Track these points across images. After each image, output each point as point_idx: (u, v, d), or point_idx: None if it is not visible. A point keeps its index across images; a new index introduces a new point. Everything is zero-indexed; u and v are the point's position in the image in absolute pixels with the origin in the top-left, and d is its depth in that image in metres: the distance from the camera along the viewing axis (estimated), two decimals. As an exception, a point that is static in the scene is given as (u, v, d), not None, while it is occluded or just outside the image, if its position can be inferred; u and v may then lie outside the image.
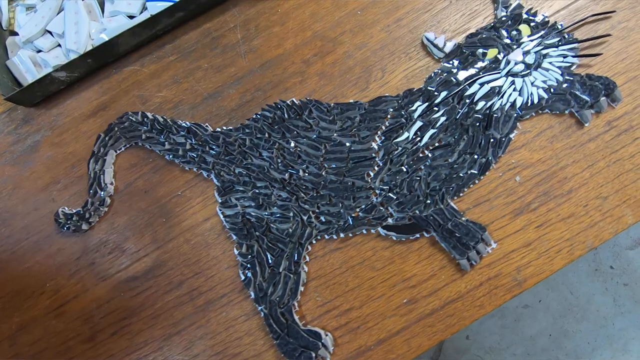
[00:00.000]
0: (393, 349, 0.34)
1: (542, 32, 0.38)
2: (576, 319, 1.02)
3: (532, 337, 1.01)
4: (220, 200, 0.39)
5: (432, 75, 0.39)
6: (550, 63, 0.37)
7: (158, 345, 0.37)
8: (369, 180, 0.37)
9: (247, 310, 0.36)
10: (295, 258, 0.36)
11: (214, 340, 0.36)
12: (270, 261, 0.36)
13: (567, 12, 0.39)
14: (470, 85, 0.38)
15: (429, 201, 0.36)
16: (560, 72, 0.37)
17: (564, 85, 0.37)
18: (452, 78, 0.38)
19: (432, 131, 0.37)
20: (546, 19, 0.39)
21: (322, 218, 0.37)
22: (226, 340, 0.36)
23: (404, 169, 0.37)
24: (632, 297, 1.01)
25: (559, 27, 0.38)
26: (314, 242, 0.37)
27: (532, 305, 1.06)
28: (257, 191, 0.38)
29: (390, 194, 0.36)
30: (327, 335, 0.34)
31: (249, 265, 0.36)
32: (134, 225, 0.40)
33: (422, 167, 0.37)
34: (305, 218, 0.37)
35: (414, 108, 0.38)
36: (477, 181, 0.36)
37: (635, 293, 1.01)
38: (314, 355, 0.33)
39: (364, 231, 0.36)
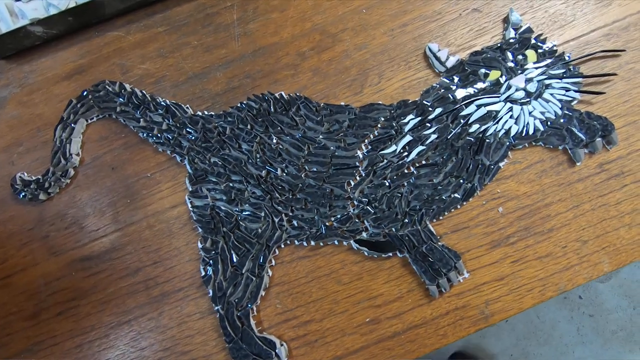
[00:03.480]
0: (348, 367, 0.33)
1: (548, 61, 0.36)
2: (539, 342, 1.04)
3: (494, 355, 1.02)
4: (190, 189, 0.37)
5: (430, 89, 0.37)
6: (551, 94, 0.36)
7: (105, 332, 0.35)
8: (349, 190, 0.35)
9: (202, 308, 0.35)
10: (261, 260, 0.34)
11: (164, 335, 0.35)
12: (234, 260, 0.35)
13: (576, 43, 0.38)
14: (467, 105, 0.36)
15: (406, 220, 0.34)
16: (560, 106, 0.35)
17: (562, 120, 0.35)
18: (449, 95, 0.37)
19: (420, 148, 0.36)
20: (554, 48, 0.37)
21: (295, 222, 0.35)
22: (176, 337, 0.34)
23: (386, 183, 0.35)
24: (595, 329, 1.03)
25: (566, 58, 0.37)
26: (282, 246, 0.35)
27: (498, 323, 1.08)
28: (230, 185, 0.36)
29: (368, 207, 0.35)
30: (282, 345, 0.33)
31: (211, 262, 0.35)
32: (95, 202, 0.38)
33: (405, 184, 0.35)
34: (276, 220, 0.35)
35: (405, 121, 0.37)
36: (459, 206, 0.35)
37: (599, 325, 1.03)
38: (265, 364, 0.32)
39: (336, 242, 0.35)
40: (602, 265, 0.33)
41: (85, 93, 0.40)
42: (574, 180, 0.35)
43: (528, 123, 0.35)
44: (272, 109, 0.38)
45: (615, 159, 0.35)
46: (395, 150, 0.36)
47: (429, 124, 0.36)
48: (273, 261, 0.35)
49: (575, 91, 0.36)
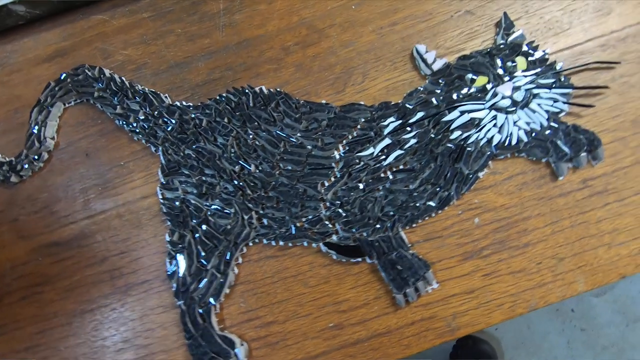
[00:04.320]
0: (308, 372, 0.32)
1: (539, 70, 0.35)
2: (528, 353, 1.03)
3: (481, 364, 1.02)
4: (162, 181, 0.36)
5: (414, 91, 0.36)
6: (538, 105, 0.34)
7: (67, 320, 0.35)
8: (322, 191, 0.35)
9: (165, 302, 0.34)
10: (227, 257, 0.34)
11: (126, 326, 0.34)
12: (200, 255, 0.34)
13: (570, 53, 0.36)
14: (450, 110, 0.35)
15: (378, 226, 0.33)
16: (546, 117, 0.34)
17: (547, 132, 0.34)
18: (433, 99, 0.35)
19: (399, 152, 0.34)
20: (546, 56, 0.36)
21: (265, 221, 0.34)
22: (137, 329, 0.34)
23: (361, 186, 0.34)
24: (586, 343, 1.02)
25: (558, 67, 0.35)
26: (250, 244, 0.35)
27: (491, 332, 1.07)
28: (203, 178, 0.35)
29: (340, 209, 0.34)
30: (242, 344, 0.32)
31: (177, 256, 0.34)
32: (68, 188, 0.38)
33: (380, 188, 0.34)
34: (246, 217, 0.34)
35: (385, 123, 0.35)
36: (433, 214, 0.34)
37: (590, 339, 1.02)
38: (223, 363, 0.32)
39: (305, 243, 0.34)
40: (576, 284, 0.32)
41: (63, 76, 0.39)
42: (555, 195, 0.34)
43: (512, 133, 0.34)
44: (251, 104, 0.37)
45: (600, 175, 0.34)
46: (373, 153, 0.35)
47: (409, 128, 0.35)
48: (240, 259, 0.34)
49: (564, 102, 0.34)
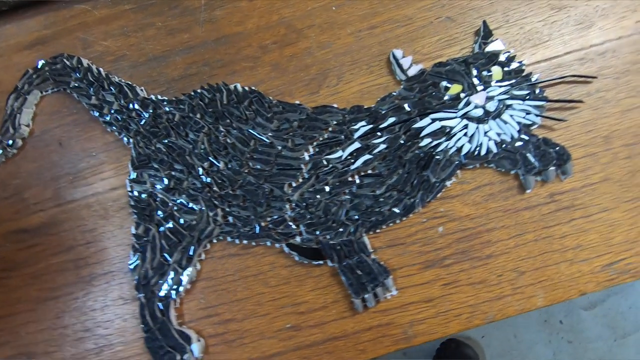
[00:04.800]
0: (262, 371, 0.32)
1: (514, 81, 0.35)
2: (513, 362, 1.03)
3: (466, 370, 1.01)
4: (132, 174, 0.36)
5: (387, 96, 0.36)
6: (510, 116, 0.34)
7: (31, 307, 0.35)
8: (289, 192, 0.35)
9: (127, 294, 0.34)
10: (190, 253, 0.34)
11: (87, 316, 0.34)
12: (163, 250, 0.34)
13: (547, 65, 0.36)
14: (421, 117, 0.35)
15: (341, 229, 0.33)
16: (517, 129, 0.34)
17: (517, 144, 0.34)
18: (405, 105, 0.35)
19: (367, 156, 0.34)
20: (522, 67, 0.35)
21: (230, 219, 0.34)
22: (98, 319, 0.34)
23: (327, 189, 0.34)
24: (573, 355, 1.01)
25: (533, 79, 0.35)
26: (214, 241, 0.35)
27: (474, 338, 1.07)
28: (172, 173, 0.36)
29: (305, 211, 0.34)
30: (199, 340, 0.33)
31: (140, 249, 0.34)
32: (39, 176, 0.38)
33: (346, 192, 0.34)
34: (211, 214, 0.34)
35: (356, 127, 0.35)
36: (398, 221, 0.34)
37: (577, 352, 1.01)
38: (178, 358, 0.32)
39: (268, 243, 0.34)
40: (536, 299, 0.32)
41: (41, 64, 0.39)
42: (521, 207, 0.33)
43: (481, 143, 0.34)
44: (225, 101, 0.37)
45: (568, 190, 0.33)
46: (342, 156, 0.35)
47: (379, 133, 0.35)
48: (203, 255, 0.35)
49: (536, 115, 0.34)
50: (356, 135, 0.35)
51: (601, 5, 0.37)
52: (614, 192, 0.33)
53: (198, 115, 0.37)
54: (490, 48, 0.36)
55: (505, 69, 0.35)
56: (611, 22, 0.36)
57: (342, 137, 0.35)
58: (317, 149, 0.35)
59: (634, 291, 1.06)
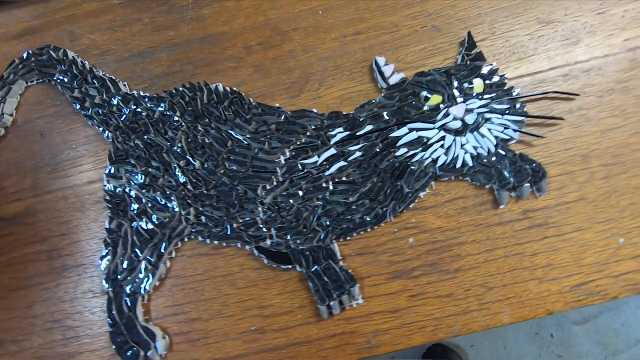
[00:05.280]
0: (224, 372, 0.32)
1: (494, 95, 0.34)
2: (501, 373, 1.02)
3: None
4: (109, 168, 0.36)
5: (366, 104, 0.36)
6: (489, 130, 0.34)
7: (2, 294, 0.35)
8: (262, 194, 0.35)
9: (96, 288, 0.35)
10: (161, 250, 0.34)
11: (56, 307, 0.35)
12: (134, 245, 0.34)
13: (530, 79, 0.36)
14: (399, 126, 0.34)
15: (311, 235, 0.33)
16: (494, 143, 0.33)
17: (493, 159, 0.33)
18: (384, 113, 0.35)
19: (342, 163, 0.34)
20: (504, 80, 0.35)
21: (202, 218, 0.35)
22: (67, 311, 0.35)
23: (300, 194, 0.34)
24: (562, 370, 1.00)
25: (514, 93, 0.35)
26: (185, 239, 0.35)
27: (463, 347, 1.06)
28: (148, 170, 0.36)
29: (277, 215, 0.34)
30: (164, 338, 0.33)
31: (112, 243, 0.34)
32: (19, 165, 0.38)
33: (320, 198, 0.34)
34: (184, 213, 0.35)
35: (333, 133, 0.35)
36: (369, 229, 0.34)
37: (566, 367, 1.00)
38: (142, 354, 0.32)
39: (239, 245, 0.34)
40: (501, 315, 0.32)
41: (27, 55, 0.40)
42: (494, 222, 0.33)
43: (457, 155, 0.34)
44: (205, 100, 0.37)
45: (542, 208, 0.33)
46: (317, 161, 0.35)
47: (356, 140, 0.35)
48: (173, 253, 0.35)
49: (515, 130, 0.34)
50: (333, 141, 0.35)
51: (589, 21, 0.36)
52: (589, 212, 0.33)
53: (178, 113, 0.37)
54: (471, 59, 0.36)
55: (487, 81, 0.35)
56: (598, 40, 0.36)
57: (319, 142, 0.35)
58: (293, 153, 0.35)
59: (628, 308, 1.05)
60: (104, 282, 0.34)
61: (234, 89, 0.38)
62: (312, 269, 0.33)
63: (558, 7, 0.37)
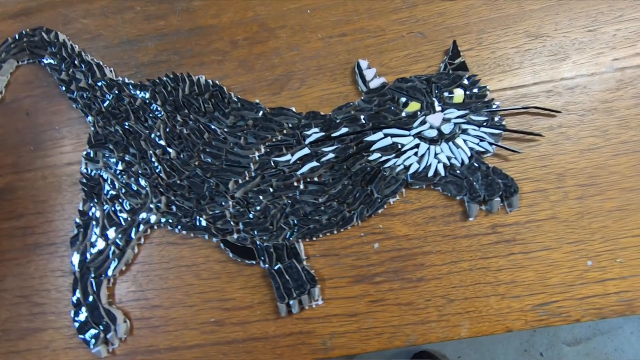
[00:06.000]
0: (180, 360, 0.33)
1: (473, 106, 0.34)
2: (487, 389, 1.01)
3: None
4: (87, 151, 0.37)
5: (344, 106, 0.36)
6: (464, 141, 0.33)
7: (-24, 266, 0.37)
8: (233, 188, 0.35)
9: (66, 267, 0.35)
10: (130, 236, 0.35)
11: (26, 283, 0.36)
12: (105, 229, 0.35)
13: (513, 93, 0.35)
14: (374, 131, 0.34)
15: (277, 233, 0.33)
16: (468, 155, 0.33)
17: (466, 170, 0.33)
18: (361, 117, 0.35)
19: (315, 164, 0.34)
20: (485, 92, 0.35)
21: (173, 208, 0.35)
22: (36, 287, 0.35)
23: (270, 191, 0.34)
24: (549, 391, 0.99)
25: (494, 106, 0.34)
26: (155, 227, 0.35)
27: (451, 358, 1.05)
28: (124, 156, 0.36)
29: (245, 209, 0.34)
30: (125, 322, 0.33)
31: (83, 225, 0.35)
32: (3, 142, 0.39)
33: (289, 196, 0.34)
34: (155, 200, 0.35)
35: (308, 133, 0.35)
36: (335, 232, 0.34)
37: (554, 388, 0.99)
38: (101, 336, 0.32)
39: (206, 236, 0.35)
40: (460, 328, 0.31)
41: (20, 35, 0.41)
42: (461, 235, 0.33)
43: (430, 164, 0.33)
44: (187, 91, 0.37)
45: (512, 223, 0.33)
46: (289, 160, 0.35)
47: (330, 142, 0.35)
48: (142, 239, 0.35)
49: (491, 143, 0.33)
50: (307, 141, 0.35)
51: (579, 38, 0.36)
52: (559, 232, 0.32)
53: (159, 102, 0.37)
54: (454, 68, 0.35)
55: (467, 92, 0.35)
56: (586, 57, 0.35)
57: (294, 141, 0.35)
58: (267, 150, 0.36)
59: (622, 333, 1.03)
60: (72, 262, 0.34)
61: (216, 82, 0.38)
62: (275, 267, 0.33)
63: (548, 22, 0.36)
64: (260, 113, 0.36)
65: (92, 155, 0.37)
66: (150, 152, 0.36)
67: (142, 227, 0.35)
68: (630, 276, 0.31)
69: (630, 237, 0.32)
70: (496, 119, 0.34)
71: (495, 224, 0.33)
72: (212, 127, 0.36)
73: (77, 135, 0.38)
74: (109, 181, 0.36)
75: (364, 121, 0.35)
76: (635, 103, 0.34)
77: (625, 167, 0.33)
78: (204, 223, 0.34)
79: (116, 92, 0.38)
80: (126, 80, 0.39)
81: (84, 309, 0.33)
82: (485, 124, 0.34)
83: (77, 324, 0.33)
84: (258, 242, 0.34)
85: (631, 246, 0.31)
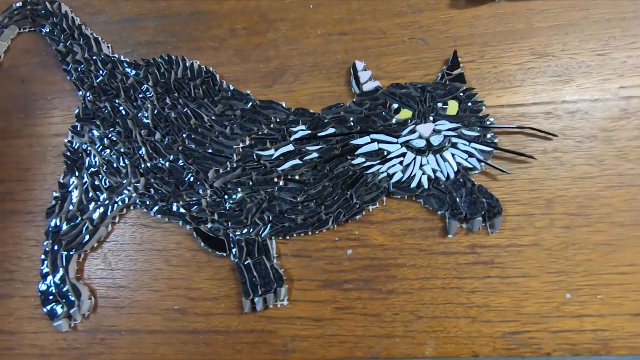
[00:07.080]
0: (139, 344, 0.32)
1: (466, 120, 0.33)
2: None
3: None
4: (75, 125, 0.37)
5: (334, 106, 0.35)
6: (452, 155, 0.32)
7: (-46, 226, 0.37)
8: (213, 177, 0.34)
9: (40, 238, 0.35)
10: (106, 214, 0.34)
11: (0, 249, 0.36)
12: (80, 204, 0.35)
13: (510, 111, 0.34)
14: (361, 135, 0.33)
15: (250, 227, 0.33)
16: (455, 169, 0.32)
17: (450, 185, 0.32)
18: (350, 118, 0.34)
19: (297, 161, 0.33)
20: (481, 107, 0.33)
21: (151, 190, 0.35)
22: (9, 254, 0.36)
23: (249, 184, 0.34)
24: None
25: (488, 122, 0.33)
26: (131, 207, 0.35)
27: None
28: (109, 134, 0.36)
29: (221, 200, 0.34)
30: (90, 299, 0.33)
31: (61, 198, 0.35)
32: (-4, 107, 0.39)
33: (267, 191, 0.33)
34: (134, 181, 0.35)
35: (295, 129, 0.34)
36: (309, 233, 0.33)
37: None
38: (64, 310, 0.32)
39: (180, 223, 0.34)
40: (424, 347, 0.30)
41: (24, 2, 0.41)
42: (438, 251, 0.32)
43: (414, 175, 0.32)
44: (179, 75, 0.37)
45: (492, 245, 0.31)
46: (272, 155, 0.34)
47: (316, 141, 0.34)
48: (117, 218, 0.35)
49: (479, 160, 0.32)
50: (292, 137, 0.34)
51: (587, 61, 0.34)
52: (540, 260, 0.31)
53: (150, 83, 0.37)
54: (451, 79, 0.34)
55: (462, 105, 0.34)
56: (592, 82, 0.34)
57: (279, 136, 0.35)
58: (252, 142, 0.35)
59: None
60: (45, 234, 0.34)
61: (210, 68, 0.37)
62: (245, 262, 0.32)
63: (556, 41, 0.35)
64: (249, 104, 0.36)
65: (78, 128, 0.37)
66: (136, 132, 0.36)
67: (118, 205, 0.35)
68: (609, 315, 0.29)
69: (615, 273, 0.30)
70: (489, 135, 0.33)
71: (474, 244, 0.32)
72: (200, 113, 0.36)
73: (67, 107, 0.38)
74: (91, 156, 0.36)
75: (352, 123, 0.34)
76: (637, 135, 0.32)
77: (618, 201, 0.31)
78: (179, 209, 0.34)
79: (110, 68, 0.38)
80: (122, 58, 0.39)
81: (50, 280, 0.33)
82: (476, 139, 0.32)
83: (42, 296, 0.33)
84: (231, 235, 0.33)
85: (614, 283, 0.30)
